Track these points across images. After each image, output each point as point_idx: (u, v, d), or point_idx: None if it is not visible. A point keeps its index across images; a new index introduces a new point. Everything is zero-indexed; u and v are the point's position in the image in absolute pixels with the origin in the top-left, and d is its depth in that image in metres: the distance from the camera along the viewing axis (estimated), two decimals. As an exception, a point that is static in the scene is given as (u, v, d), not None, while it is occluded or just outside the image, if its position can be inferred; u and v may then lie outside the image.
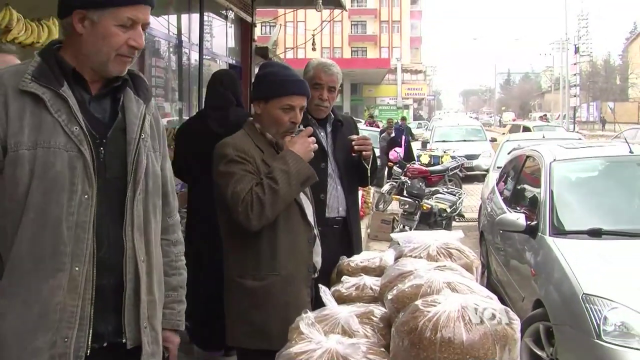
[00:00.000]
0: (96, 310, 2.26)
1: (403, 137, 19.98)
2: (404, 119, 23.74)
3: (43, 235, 2.19)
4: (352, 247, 4.09)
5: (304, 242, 3.34)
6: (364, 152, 4.03)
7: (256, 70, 3.42)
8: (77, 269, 2.21)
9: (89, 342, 2.24)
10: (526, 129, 26.01)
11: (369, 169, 4.08)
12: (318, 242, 3.44)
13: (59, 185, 2.20)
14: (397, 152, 18.05)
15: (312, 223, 3.41)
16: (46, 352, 2.18)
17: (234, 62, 12.96)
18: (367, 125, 24.67)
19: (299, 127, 3.39)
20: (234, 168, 3.16)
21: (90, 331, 2.24)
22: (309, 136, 3.32)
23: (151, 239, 2.43)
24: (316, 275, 3.40)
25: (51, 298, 2.18)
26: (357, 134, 4.28)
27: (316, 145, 3.35)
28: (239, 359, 3.42)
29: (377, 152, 16.19)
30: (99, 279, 2.26)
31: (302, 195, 3.35)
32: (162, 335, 2.54)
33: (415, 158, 18.86)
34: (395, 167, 16.01)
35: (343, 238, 4.13)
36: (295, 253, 3.28)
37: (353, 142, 4.03)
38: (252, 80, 3.55)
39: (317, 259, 3.43)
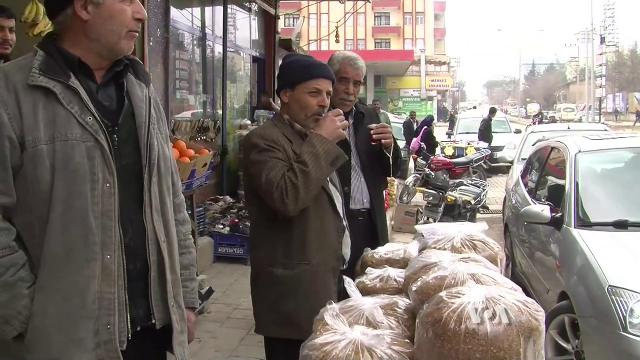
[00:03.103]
0: (128, 296, 2.31)
1: (424, 128, 20.22)
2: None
3: (72, 227, 2.20)
4: (377, 238, 4.09)
5: (333, 232, 3.35)
6: (383, 140, 4.02)
7: (280, 63, 3.44)
8: (108, 257, 2.24)
9: (129, 326, 2.30)
10: None
11: (390, 157, 4.06)
12: (347, 233, 3.45)
13: (81, 177, 2.21)
14: (418, 143, 18.21)
15: (342, 214, 3.43)
16: (91, 340, 2.22)
17: (257, 54, 12.98)
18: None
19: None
20: (265, 156, 3.17)
21: (128, 316, 2.30)
22: (337, 115, 3.30)
23: (169, 219, 2.49)
24: (345, 267, 3.41)
25: (88, 288, 2.21)
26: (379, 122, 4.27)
27: (346, 122, 3.34)
28: (267, 347, 3.43)
29: (402, 144, 16.20)
30: (127, 264, 2.31)
31: (331, 186, 3.37)
32: None
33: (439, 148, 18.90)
34: (419, 159, 15.97)
35: (367, 230, 4.13)
36: (325, 242, 3.30)
37: (372, 131, 4.02)
38: (276, 72, 3.58)
39: (346, 251, 3.44)
